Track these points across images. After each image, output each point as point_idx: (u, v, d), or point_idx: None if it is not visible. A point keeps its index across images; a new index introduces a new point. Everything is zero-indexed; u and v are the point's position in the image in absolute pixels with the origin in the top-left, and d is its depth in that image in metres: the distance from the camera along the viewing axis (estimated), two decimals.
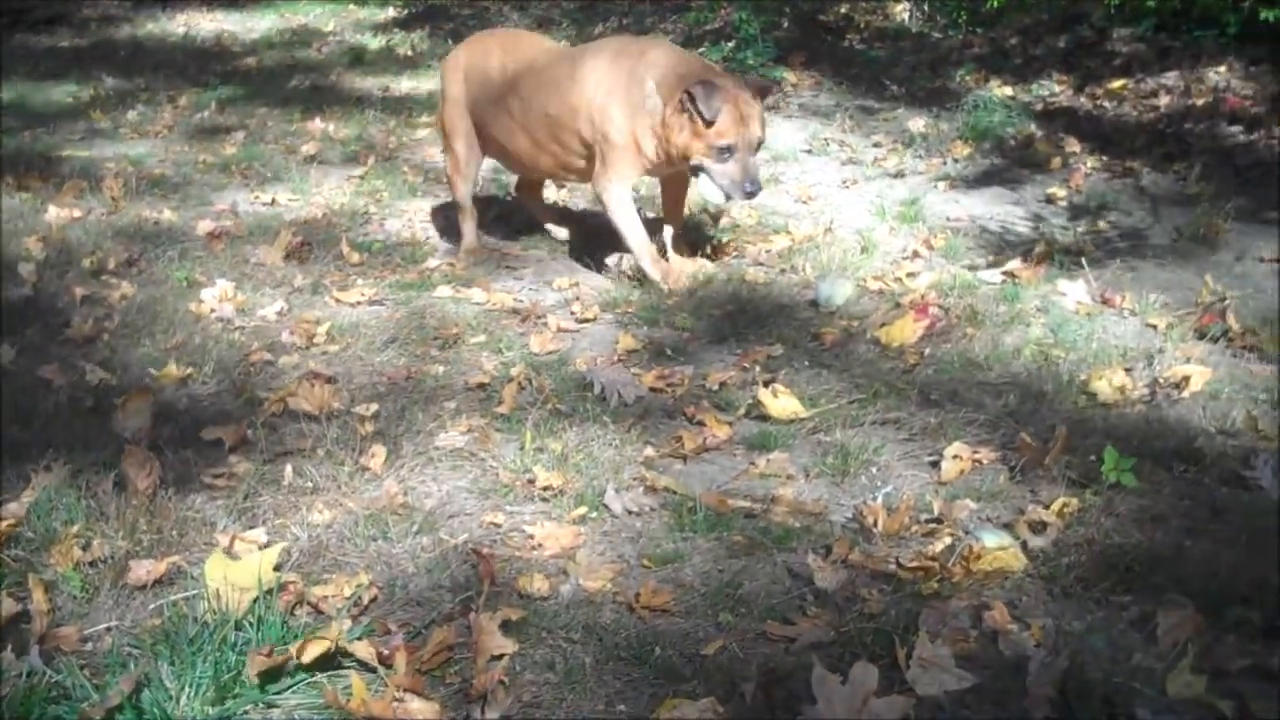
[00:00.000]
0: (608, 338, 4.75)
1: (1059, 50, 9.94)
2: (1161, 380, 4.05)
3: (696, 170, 5.03)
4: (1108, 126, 8.16)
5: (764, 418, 3.97)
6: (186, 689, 2.60)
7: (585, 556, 3.19)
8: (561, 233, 6.16)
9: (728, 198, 5.01)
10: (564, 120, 5.30)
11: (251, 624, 2.80)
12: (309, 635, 2.73)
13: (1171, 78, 8.98)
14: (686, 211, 5.74)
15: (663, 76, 5.01)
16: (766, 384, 4.08)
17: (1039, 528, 3.20)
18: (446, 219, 6.49)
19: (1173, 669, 2.59)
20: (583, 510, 3.42)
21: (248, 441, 3.87)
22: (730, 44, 10.73)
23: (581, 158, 5.40)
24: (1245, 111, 8.07)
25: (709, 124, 4.84)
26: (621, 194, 5.29)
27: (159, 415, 3.97)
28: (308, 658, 2.69)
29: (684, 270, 5.29)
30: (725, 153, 4.91)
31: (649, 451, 3.78)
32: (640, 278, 5.31)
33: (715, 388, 4.22)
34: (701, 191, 5.09)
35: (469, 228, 6.03)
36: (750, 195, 4.99)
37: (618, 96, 5.13)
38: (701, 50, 10.71)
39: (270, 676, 2.67)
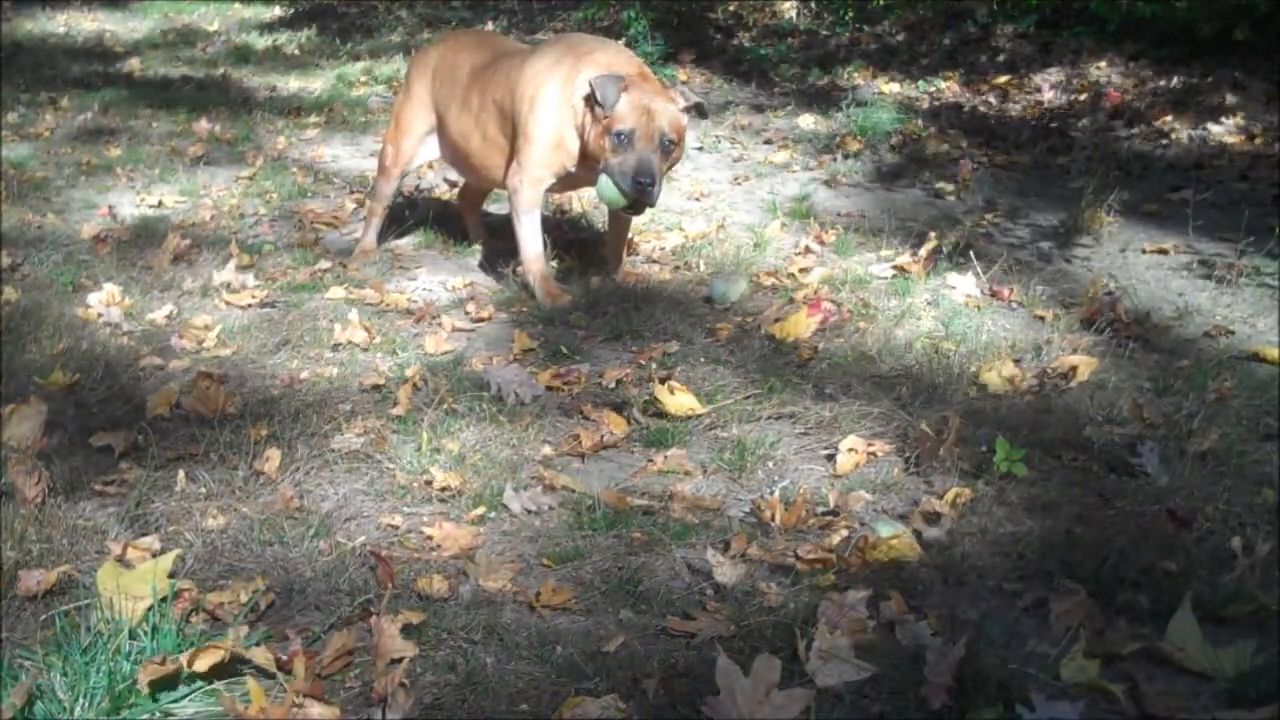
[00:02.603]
0: (503, 337, 4.73)
1: (944, 47, 10.09)
2: (1050, 371, 4.12)
3: (599, 173, 4.80)
4: (993, 122, 8.31)
5: (661, 414, 3.98)
6: (80, 700, 2.55)
7: (484, 557, 3.18)
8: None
9: (622, 194, 4.67)
10: (505, 109, 5.17)
11: (146, 633, 2.75)
12: (202, 644, 2.69)
13: (1054, 73, 9.17)
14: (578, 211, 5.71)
15: (596, 75, 4.83)
16: (663, 381, 4.09)
17: (933, 518, 3.24)
18: (335, 219, 6.45)
19: (1066, 654, 2.64)
20: (481, 510, 3.41)
21: (138, 447, 3.80)
22: (620, 41, 10.74)
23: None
24: (1126, 106, 8.25)
25: (606, 111, 4.68)
26: (532, 196, 5.13)
27: (47, 423, 3.88)
28: (201, 666, 2.65)
29: (564, 294, 5.13)
30: (623, 141, 4.66)
31: (547, 450, 3.78)
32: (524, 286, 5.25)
33: (612, 385, 4.22)
34: (599, 192, 4.83)
35: (374, 226, 5.95)
36: (641, 188, 4.63)
37: (551, 90, 4.97)
38: None
39: (164, 685, 2.62)
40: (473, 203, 6.19)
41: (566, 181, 5.24)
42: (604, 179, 4.75)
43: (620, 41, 10.65)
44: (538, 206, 5.19)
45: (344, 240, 6.14)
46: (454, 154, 5.67)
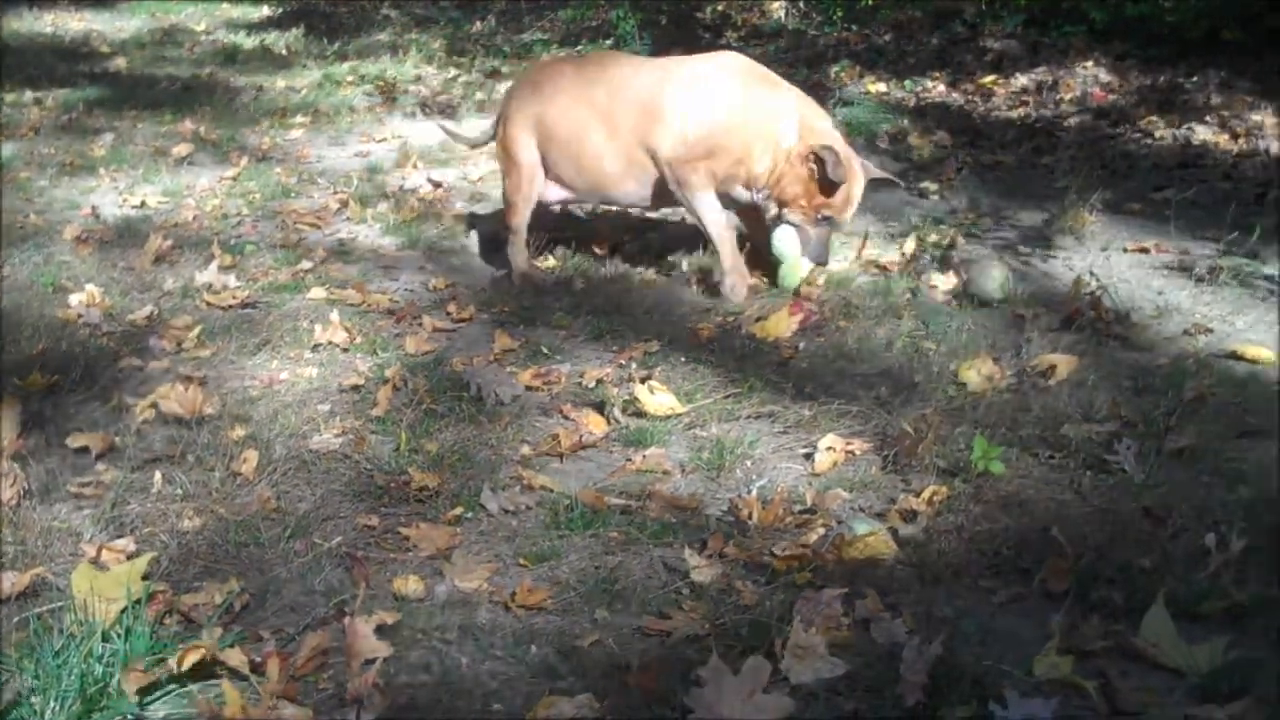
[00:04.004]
0: (484, 337, 4.73)
1: (932, 47, 10.10)
2: (1029, 369, 4.12)
3: (779, 219, 5.08)
4: (979, 121, 8.30)
5: (641, 414, 3.98)
6: (52, 703, 2.54)
7: (461, 557, 3.18)
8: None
9: (806, 260, 5.08)
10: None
11: (119, 635, 2.75)
12: (186, 647, 2.68)
13: (1040, 73, 9.16)
14: (559, 209, 5.70)
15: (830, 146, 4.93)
16: (643, 380, 4.09)
17: (910, 516, 3.25)
18: (318, 219, 6.44)
19: (1040, 651, 2.64)
20: (459, 510, 3.40)
21: (115, 449, 3.80)
22: (609, 41, 10.76)
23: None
24: (1111, 106, 8.26)
25: (831, 190, 4.90)
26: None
27: (24, 424, 3.87)
28: (185, 665, 2.65)
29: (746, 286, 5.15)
30: (823, 221, 4.99)
31: (525, 450, 3.78)
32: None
33: (592, 385, 4.22)
34: (776, 239, 5.07)
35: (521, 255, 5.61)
36: (822, 265, 5.11)
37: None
38: (580, 48, 10.73)
39: (145, 690, 2.62)
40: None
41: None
42: (788, 233, 5.07)
43: (608, 42, 10.73)
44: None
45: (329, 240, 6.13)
46: (574, 172, 5.42)
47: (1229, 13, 8.54)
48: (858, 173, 5.01)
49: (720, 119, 5.01)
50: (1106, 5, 9.15)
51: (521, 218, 5.48)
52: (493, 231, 6.03)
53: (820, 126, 5.02)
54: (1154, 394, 3.93)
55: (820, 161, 4.83)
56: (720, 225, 5.14)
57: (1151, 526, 3.14)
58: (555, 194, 5.48)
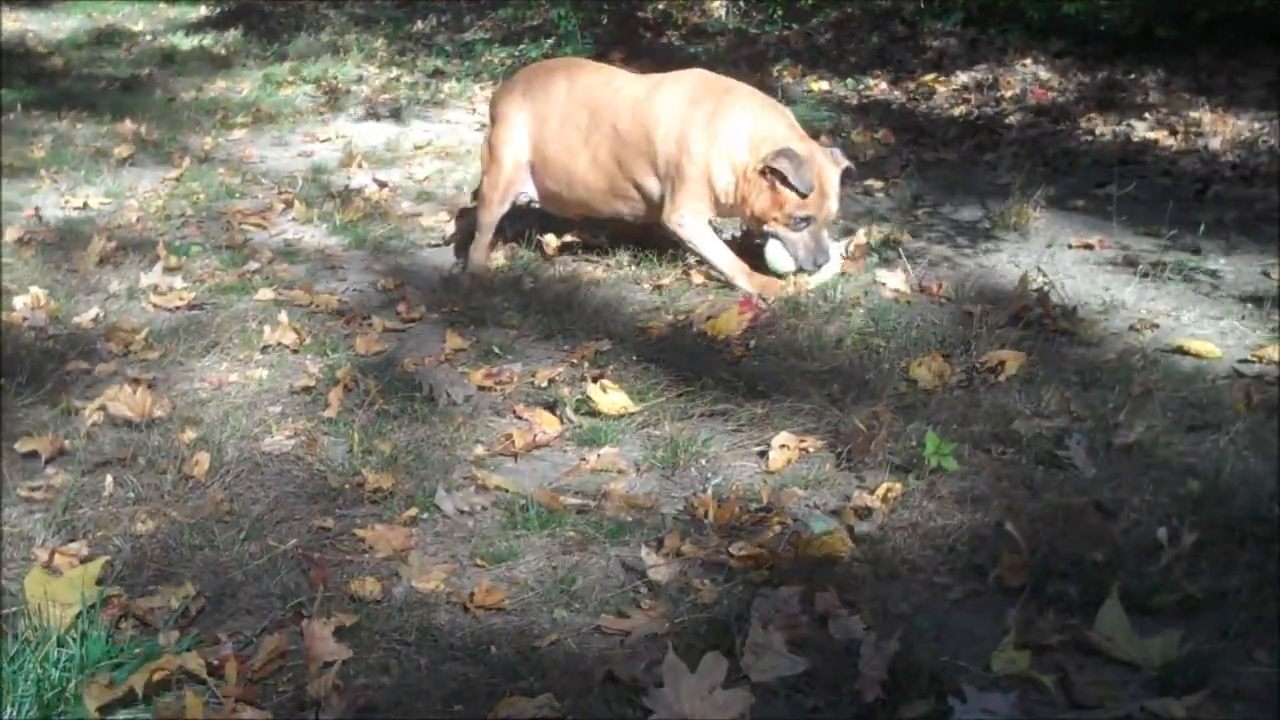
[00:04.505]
0: (435, 337, 4.71)
1: (872, 45, 10.16)
2: (978, 365, 4.15)
3: (767, 234, 5.01)
4: (921, 119, 8.36)
5: (594, 413, 3.98)
6: (9, 709, 2.52)
7: (418, 558, 3.17)
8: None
9: (799, 268, 4.98)
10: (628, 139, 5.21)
11: (75, 640, 2.72)
12: (146, 663, 2.65)
13: (980, 71, 9.24)
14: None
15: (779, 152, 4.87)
16: (595, 380, 4.09)
17: (865, 513, 3.27)
18: (263, 219, 6.40)
19: (997, 646, 2.66)
20: (414, 511, 3.40)
21: (65, 452, 3.77)
22: (550, 40, 10.74)
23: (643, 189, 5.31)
24: (1051, 103, 8.34)
25: (802, 196, 4.83)
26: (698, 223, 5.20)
27: None
28: (147, 683, 2.62)
29: (774, 281, 5.08)
30: (802, 223, 4.92)
31: (479, 450, 3.77)
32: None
33: (544, 385, 4.22)
34: (769, 257, 5.02)
35: (482, 254, 5.66)
36: (819, 267, 4.97)
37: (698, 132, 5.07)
38: (521, 47, 10.71)
39: (108, 708, 2.60)
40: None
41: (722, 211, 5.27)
42: (776, 247, 4.99)
43: (550, 41, 10.72)
44: (707, 227, 5.22)
45: (275, 240, 6.09)
46: (557, 181, 5.49)
47: (1163, 10, 8.65)
48: (824, 164, 4.97)
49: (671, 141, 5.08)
50: (1043, 4, 9.25)
51: (493, 216, 5.53)
52: (441, 231, 6.03)
53: (775, 132, 4.98)
54: (1102, 389, 3.97)
55: (776, 172, 4.83)
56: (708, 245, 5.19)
57: (1103, 521, 3.16)
58: (532, 194, 5.60)
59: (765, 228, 5.00)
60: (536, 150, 5.47)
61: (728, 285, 5.11)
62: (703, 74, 5.40)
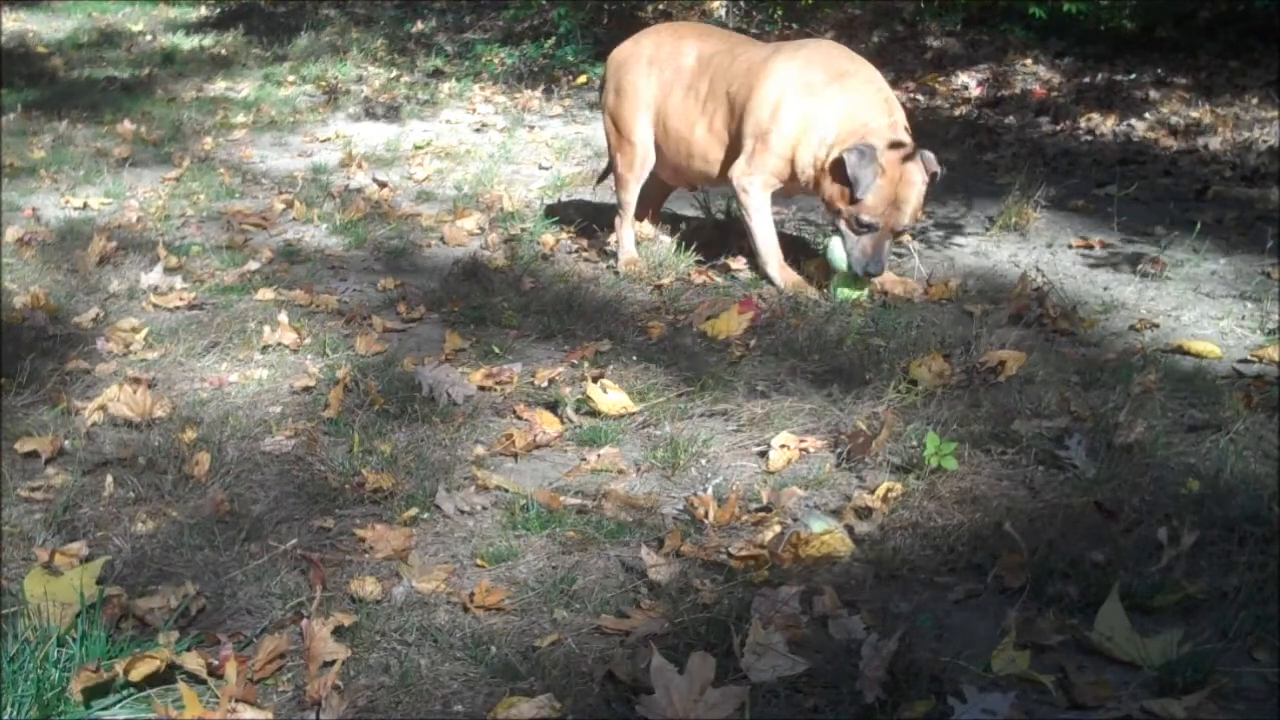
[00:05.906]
0: (435, 337, 4.71)
1: (873, 45, 10.15)
2: (978, 365, 4.15)
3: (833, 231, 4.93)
4: (921, 119, 8.35)
5: (594, 413, 3.98)
6: (8, 709, 2.52)
7: (418, 558, 3.17)
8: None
9: (849, 268, 4.82)
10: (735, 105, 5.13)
11: (74, 639, 2.72)
12: (138, 653, 2.66)
13: (981, 71, 9.24)
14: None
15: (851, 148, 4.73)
16: (595, 380, 4.09)
17: (865, 513, 3.26)
18: (263, 219, 6.40)
19: (997, 646, 2.66)
20: (414, 511, 3.39)
21: (65, 452, 3.76)
22: (549, 41, 10.74)
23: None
24: (1051, 102, 8.35)
25: (858, 195, 4.70)
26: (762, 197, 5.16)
27: None
28: (136, 675, 2.62)
29: (805, 283, 5.08)
30: (864, 228, 4.76)
31: (480, 450, 3.77)
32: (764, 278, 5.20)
33: (544, 385, 4.22)
34: (829, 249, 4.93)
35: (629, 234, 5.66)
36: (870, 276, 4.80)
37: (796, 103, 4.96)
38: (521, 48, 10.71)
39: (96, 692, 2.60)
40: (655, 202, 5.94)
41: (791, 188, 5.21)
42: (836, 243, 4.87)
43: (550, 41, 10.71)
44: (768, 203, 5.17)
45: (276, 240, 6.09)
46: (672, 149, 5.44)
47: (1164, 10, 8.65)
48: (906, 173, 4.77)
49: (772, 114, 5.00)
50: (1044, 3, 9.25)
51: (632, 195, 5.54)
52: (441, 231, 6.03)
53: (871, 123, 4.84)
54: (1102, 389, 3.97)
55: (840, 163, 4.73)
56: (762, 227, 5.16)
57: (1103, 521, 3.16)
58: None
59: (836, 221, 4.88)
60: (659, 122, 5.39)
61: (759, 271, 5.14)
62: (827, 47, 5.29)
